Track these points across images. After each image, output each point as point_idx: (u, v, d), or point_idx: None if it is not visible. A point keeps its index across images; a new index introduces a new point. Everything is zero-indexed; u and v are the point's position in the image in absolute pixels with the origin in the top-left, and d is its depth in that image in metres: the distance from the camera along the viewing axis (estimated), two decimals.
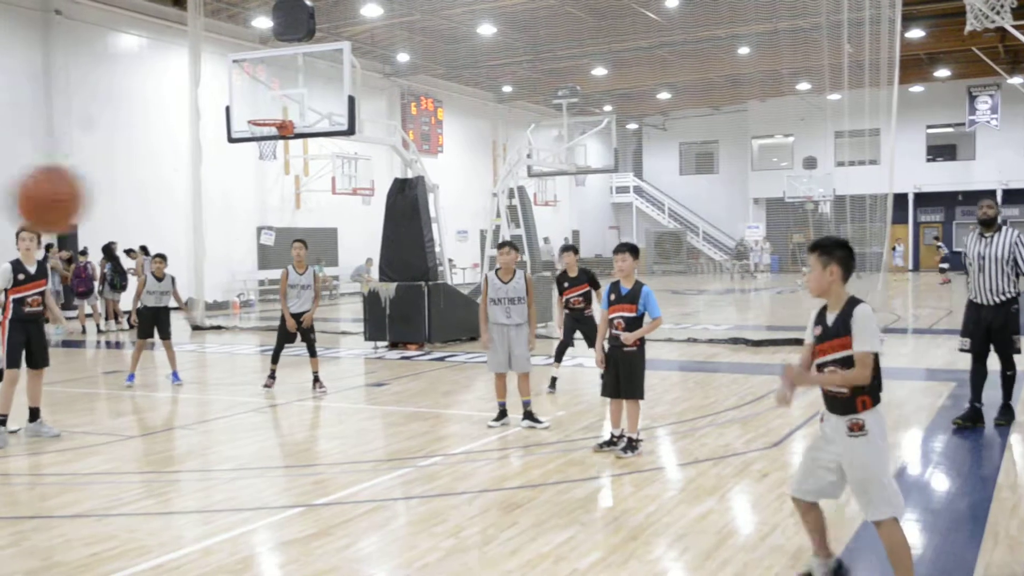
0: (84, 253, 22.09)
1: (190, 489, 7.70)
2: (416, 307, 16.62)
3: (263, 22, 26.88)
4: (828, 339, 4.62)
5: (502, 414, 9.73)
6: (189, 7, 22.11)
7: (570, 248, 12.41)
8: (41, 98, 23.90)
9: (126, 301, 22.89)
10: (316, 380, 12.19)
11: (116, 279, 21.86)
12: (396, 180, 18.17)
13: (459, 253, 36.75)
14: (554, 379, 11.92)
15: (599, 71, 37.79)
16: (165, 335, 13.33)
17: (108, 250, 22.01)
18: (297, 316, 12.20)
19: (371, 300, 17.07)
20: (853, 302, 4.59)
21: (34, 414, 9.49)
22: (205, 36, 22.82)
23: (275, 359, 12.53)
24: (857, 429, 4.52)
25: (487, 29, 30.77)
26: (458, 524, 6.38)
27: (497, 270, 9.69)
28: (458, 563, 5.64)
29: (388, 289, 16.81)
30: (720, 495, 7.06)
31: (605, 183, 52.22)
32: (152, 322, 13.22)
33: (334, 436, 9.83)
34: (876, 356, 4.53)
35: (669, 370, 14.05)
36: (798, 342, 16.29)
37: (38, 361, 9.50)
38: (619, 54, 34.93)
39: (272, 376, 12.52)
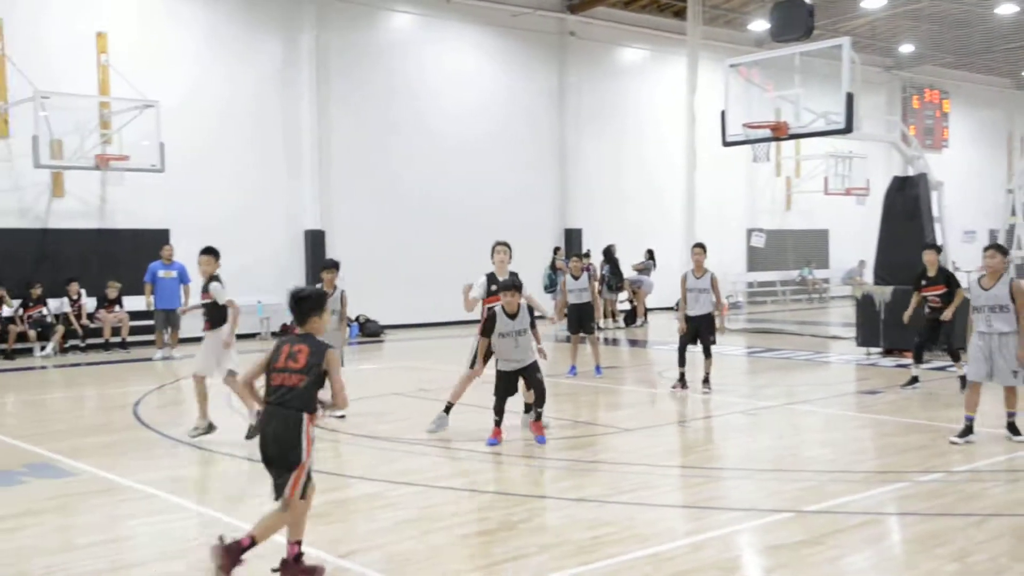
0: (587, 255, 23.76)
1: (682, 484, 7.99)
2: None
3: (760, 25, 26.93)
4: None
5: (967, 430, 8.98)
6: (689, 17, 22.84)
7: (932, 246, 12.62)
8: (555, 112, 26.14)
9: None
10: None
11: (613, 280, 23.22)
12: (895, 178, 17.28)
13: (965, 255, 33.86)
14: (915, 378, 12.37)
15: None
16: (588, 330, 14.24)
17: (608, 252, 23.46)
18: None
19: (864, 304, 16.38)
20: None
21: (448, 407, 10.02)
22: (702, 44, 23.41)
23: None
24: None
25: (1007, 8, 27.98)
26: (964, 548, 5.92)
27: (981, 276, 9.17)
28: None
29: (884, 292, 16.02)
30: None
31: None
32: (577, 317, 14.01)
33: (824, 443, 9.59)
34: None
35: None
36: None
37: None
38: None
39: None
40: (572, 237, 25.79)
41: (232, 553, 5.29)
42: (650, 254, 24.83)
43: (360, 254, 21.91)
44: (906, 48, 33.12)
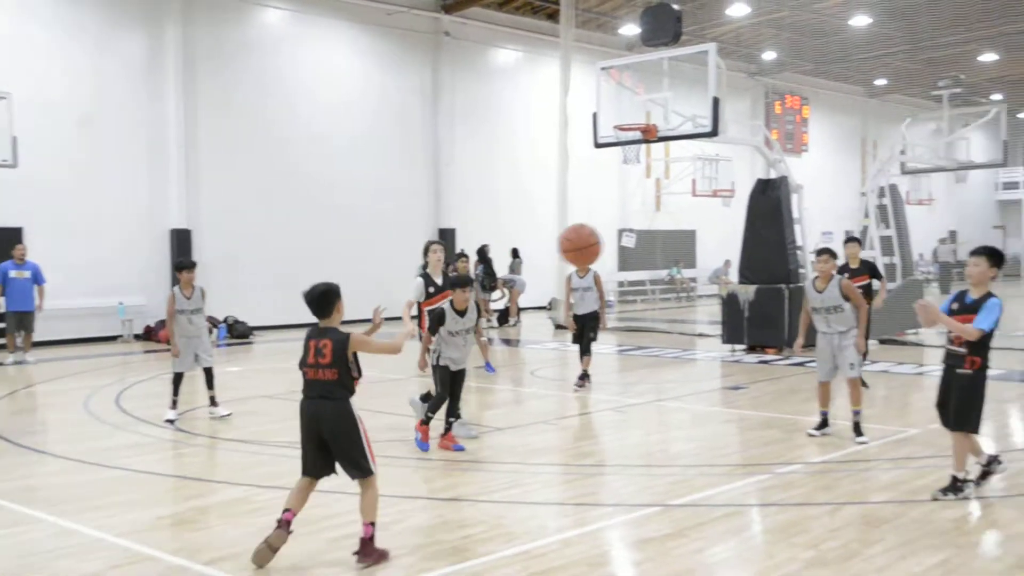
0: (462, 255, 23.74)
1: (553, 482, 8.07)
2: (776, 310, 16.21)
3: (630, 29, 27.44)
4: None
5: (823, 423, 9.39)
6: (562, 20, 23.12)
7: (854, 240, 12.87)
8: (430, 112, 26.06)
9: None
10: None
11: (487, 280, 23.29)
12: (759, 181, 17.86)
13: None
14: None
15: (987, 57, 34.61)
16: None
17: (482, 252, 23.51)
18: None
19: (729, 302, 16.89)
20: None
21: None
22: (575, 46, 23.72)
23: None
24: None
25: (860, 20, 29.28)
26: (818, 536, 6.16)
27: (815, 279, 9.40)
28: None
29: (747, 291, 16.55)
30: None
31: (990, 178, 47.79)
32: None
33: (691, 438, 9.85)
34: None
35: None
36: None
37: None
38: (1013, 37, 31.75)
39: None
40: (446, 237, 25.72)
41: (369, 549, 5.70)
42: (515, 253, 24.97)
43: (229, 253, 21.42)
44: (768, 55, 34.28)
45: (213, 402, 10.79)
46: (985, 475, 7.13)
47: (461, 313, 8.86)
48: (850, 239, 13.03)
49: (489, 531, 6.36)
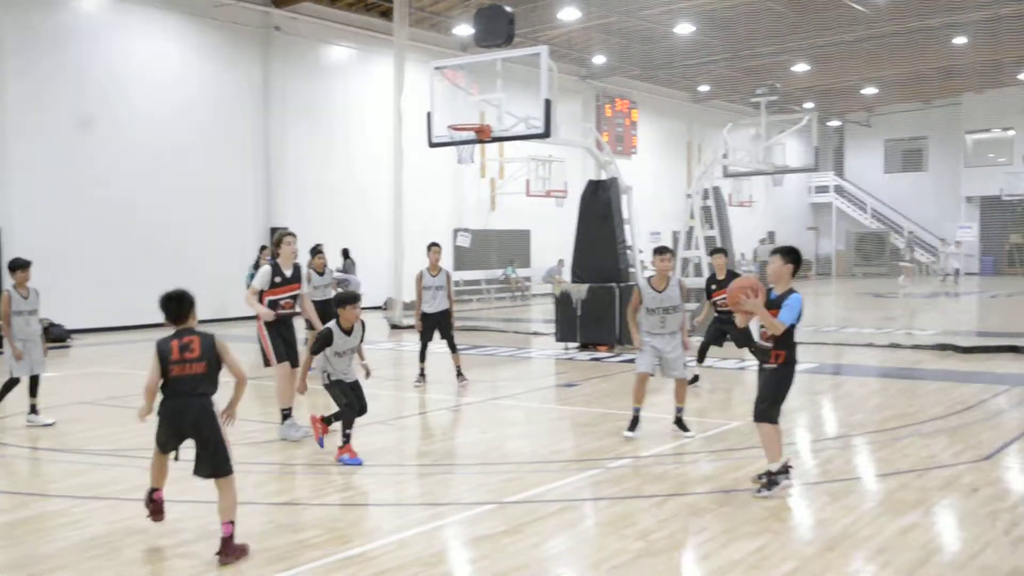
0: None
1: (387, 483, 8.00)
2: (607, 308, 16.63)
3: (464, 30, 27.57)
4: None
5: (637, 420, 9.30)
6: (395, 18, 22.99)
7: (720, 251, 12.84)
8: (260, 109, 25.42)
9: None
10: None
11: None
12: (590, 182, 18.26)
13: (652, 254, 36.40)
14: (696, 376, 12.26)
15: (800, 67, 36.65)
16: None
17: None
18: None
19: (562, 301, 17.21)
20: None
21: (286, 415, 9.67)
22: (409, 45, 23.63)
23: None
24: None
25: (684, 28, 30.38)
26: (647, 527, 6.35)
27: (651, 278, 9.34)
28: (647, 566, 5.62)
29: (579, 290, 16.90)
30: (924, 509, 6.72)
31: (804, 183, 50.61)
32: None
33: (524, 435, 9.97)
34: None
35: (868, 376, 13.56)
36: (1014, 349, 15.33)
37: (291, 360, 9.79)
38: (822, 49, 33.76)
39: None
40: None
41: (231, 547, 5.78)
42: (345, 253, 24.67)
43: (44, 252, 20.06)
44: (599, 59, 35.12)
45: (34, 410, 10.20)
46: (771, 482, 7.08)
47: (347, 332, 8.40)
48: (716, 250, 12.95)
49: (323, 535, 6.25)
